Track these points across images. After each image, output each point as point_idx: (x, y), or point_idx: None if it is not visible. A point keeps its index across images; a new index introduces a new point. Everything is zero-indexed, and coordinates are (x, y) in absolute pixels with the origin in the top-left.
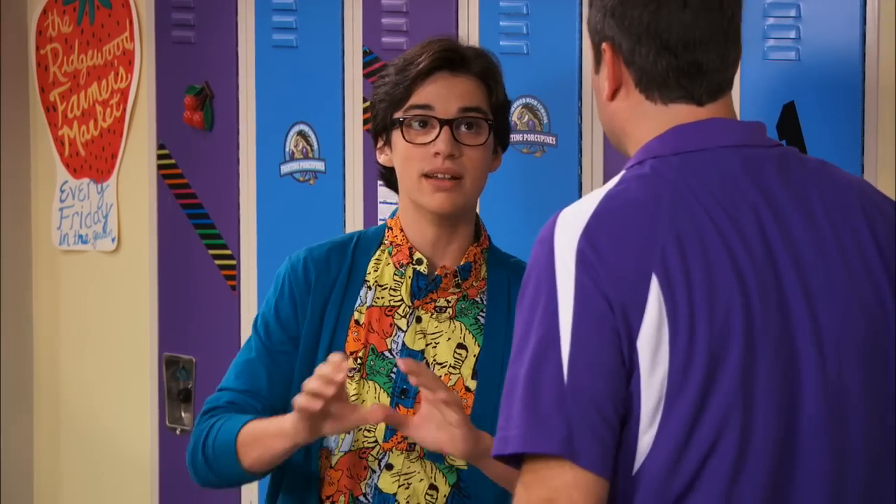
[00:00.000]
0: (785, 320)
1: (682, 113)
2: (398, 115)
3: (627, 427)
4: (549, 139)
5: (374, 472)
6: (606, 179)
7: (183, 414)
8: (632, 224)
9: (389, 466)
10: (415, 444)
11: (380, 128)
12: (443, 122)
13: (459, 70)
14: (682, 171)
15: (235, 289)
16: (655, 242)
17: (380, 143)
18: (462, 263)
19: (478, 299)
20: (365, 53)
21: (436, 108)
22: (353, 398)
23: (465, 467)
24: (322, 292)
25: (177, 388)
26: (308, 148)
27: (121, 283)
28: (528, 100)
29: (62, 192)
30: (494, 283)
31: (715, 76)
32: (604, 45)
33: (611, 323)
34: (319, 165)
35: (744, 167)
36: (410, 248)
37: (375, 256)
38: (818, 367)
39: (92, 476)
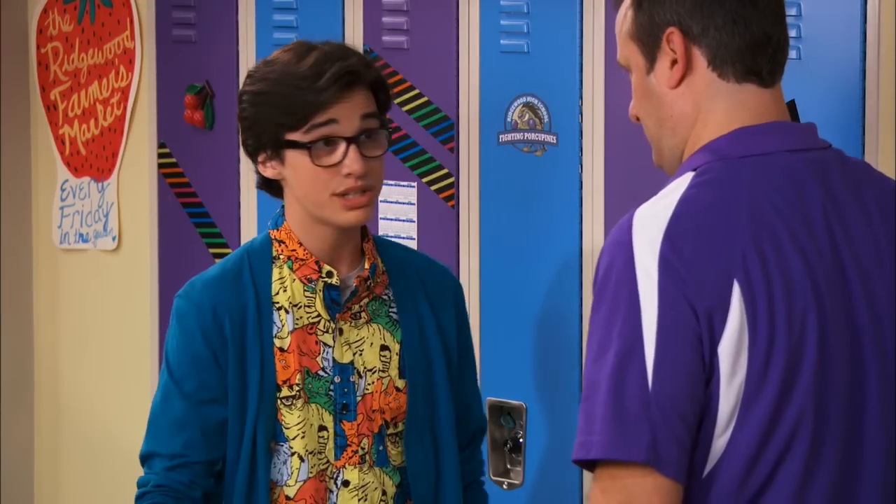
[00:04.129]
0: (851, 322)
1: (751, 97)
2: (297, 136)
3: (702, 430)
4: (550, 138)
5: (331, 492)
6: (607, 178)
7: None
8: (713, 229)
9: (346, 483)
10: (365, 455)
11: (266, 143)
12: (349, 141)
13: (355, 86)
14: (754, 175)
15: None
16: (736, 248)
17: (262, 157)
18: (369, 266)
19: (384, 296)
20: (366, 52)
21: (341, 123)
22: (300, 424)
23: (405, 465)
24: (238, 327)
25: None
26: None
27: (121, 282)
28: (529, 98)
29: (63, 190)
30: (393, 277)
31: (779, 55)
32: (670, 31)
33: (694, 329)
34: None
35: (810, 170)
36: (317, 262)
37: (277, 276)
38: (880, 370)
39: (92, 474)
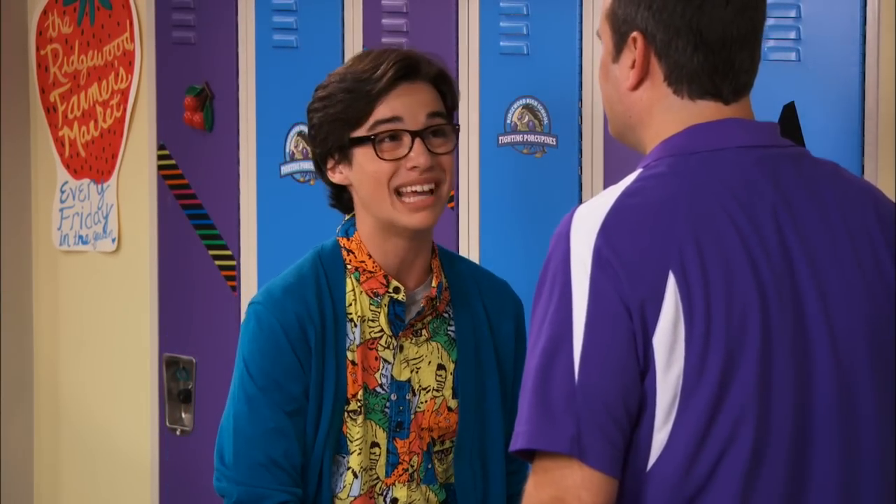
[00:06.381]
0: (800, 319)
1: (708, 110)
2: (361, 132)
3: (641, 424)
4: (550, 140)
5: None
6: (607, 180)
7: (183, 414)
8: (649, 222)
9: (394, 501)
10: (414, 472)
11: (333, 148)
12: (414, 134)
13: (416, 78)
14: (701, 170)
15: (236, 289)
16: (673, 241)
17: (331, 164)
18: (436, 284)
19: (445, 314)
20: None
21: (405, 120)
22: (358, 440)
23: (450, 482)
24: (321, 338)
25: (177, 388)
26: (308, 149)
27: (121, 284)
28: (529, 100)
29: (62, 192)
30: (456, 292)
31: (743, 76)
32: (634, 34)
33: (625, 323)
34: None
35: (762, 167)
36: (385, 276)
37: (350, 288)
38: (832, 366)
39: (92, 476)
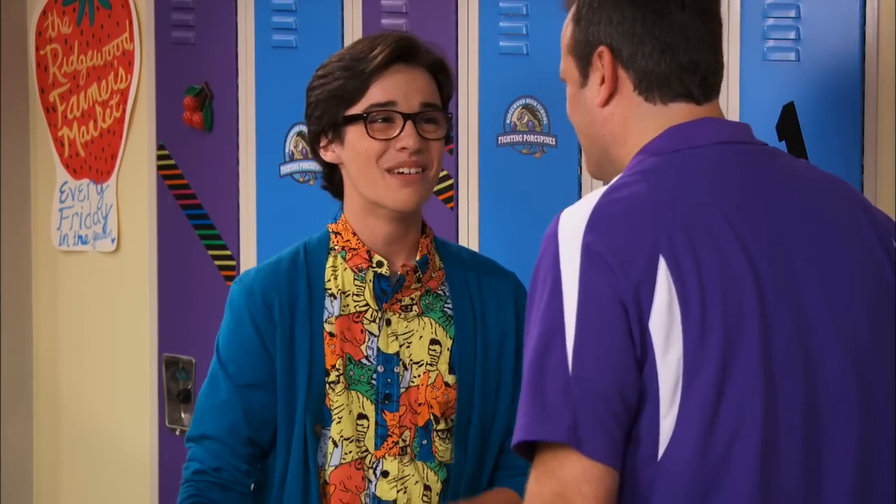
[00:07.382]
0: (796, 296)
1: (681, 112)
2: (355, 111)
3: (646, 414)
4: (549, 140)
5: (370, 481)
6: None
7: (182, 414)
8: (636, 213)
9: (385, 473)
10: (406, 447)
11: (326, 126)
12: (406, 117)
13: (413, 62)
14: (682, 165)
15: None
16: (661, 228)
17: (324, 142)
18: (419, 258)
19: (440, 291)
20: None
21: (399, 104)
22: (339, 409)
23: (452, 461)
24: (287, 312)
25: (176, 388)
26: (308, 148)
27: (120, 284)
28: (528, 100)
29: (62, 192)
30: (451, 274)
31: (710, 77)
32: (600, 49)
33: (618, 315)
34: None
35: (743, 161)
36: (368, 251)
37: (330, 264)
38: (837, 345)
39: (91, 477)
